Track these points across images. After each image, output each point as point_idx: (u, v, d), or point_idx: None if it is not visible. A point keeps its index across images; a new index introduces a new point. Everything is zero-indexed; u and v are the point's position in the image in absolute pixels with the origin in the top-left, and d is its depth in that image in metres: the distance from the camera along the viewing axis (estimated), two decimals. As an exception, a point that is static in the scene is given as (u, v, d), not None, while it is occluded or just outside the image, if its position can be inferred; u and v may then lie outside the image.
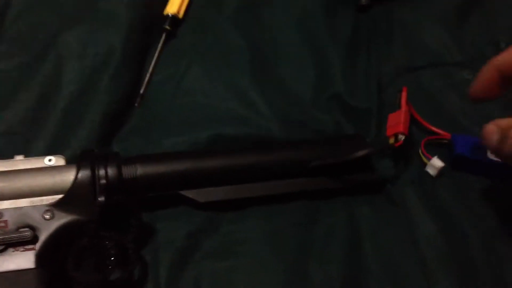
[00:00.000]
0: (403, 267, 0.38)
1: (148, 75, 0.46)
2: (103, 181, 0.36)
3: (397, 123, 0.41)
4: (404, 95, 0.43)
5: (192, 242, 0.39)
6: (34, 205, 0.35)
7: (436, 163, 0.42)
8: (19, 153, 0.37)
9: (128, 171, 0.37)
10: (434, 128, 0.43)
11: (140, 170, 0.37)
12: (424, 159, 0.42)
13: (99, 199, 0.35)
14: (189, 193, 0.38)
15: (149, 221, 0.40)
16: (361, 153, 0.38)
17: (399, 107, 0.43)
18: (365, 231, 0.40)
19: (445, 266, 0.38)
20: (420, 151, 0.42)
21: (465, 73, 0.47)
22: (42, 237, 0.34)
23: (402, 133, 0.41)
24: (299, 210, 0.41)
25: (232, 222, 0.40)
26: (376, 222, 0.40)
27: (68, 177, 0.36)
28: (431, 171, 0.42)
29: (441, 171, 0.42)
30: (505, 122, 0.33)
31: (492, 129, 0.33)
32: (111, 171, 0.36)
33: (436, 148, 0.43)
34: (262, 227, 0.39)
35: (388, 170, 0.42)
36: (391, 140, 0.41)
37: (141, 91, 0.45)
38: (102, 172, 0.36)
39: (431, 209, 0.41)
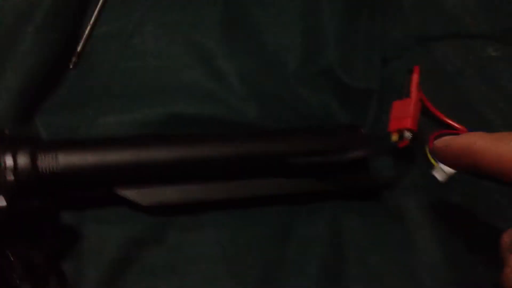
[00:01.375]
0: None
1: (88, 27, 0.39)
2: (9, 177, 0.29)
3: (403, 116, 0.34)
4: (415, 78, 0.36)
5: (128, 253, 0.32)
6: None
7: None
8: None
9: (46, 161, 0.30)
10: (448, 120, 0.36)
11: (62, 160, 0.31)
12: (432, 160, 0.35)
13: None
14: (128, 193, 0.32)
15: (73, 223, 0.33)
16: (355, 154, 0.33)
17: (407, 93, 0.36)
18: (351, 251, 0.34)
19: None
20: (427, 148, 0.35)
21: (492, 49, 0.40)
22: None
23: (410, 130, 0.34)
24: (269, 220, 0.34)
25: (182, 231, 0.33)
26: (365, 239, 0.34)
27: None
28: (439, 176, 0.35)
29: (452, 176, 0.35)
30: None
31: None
32: (21, 161, 0.30)
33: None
34: (220, 240, 0.33)
35: (386, 172, 0.36)
36: (394, 137, 0.34)
37: (78, 49, 0.39)
38: (8, 162, 0.30)
39: (437, 226, 0.34)
